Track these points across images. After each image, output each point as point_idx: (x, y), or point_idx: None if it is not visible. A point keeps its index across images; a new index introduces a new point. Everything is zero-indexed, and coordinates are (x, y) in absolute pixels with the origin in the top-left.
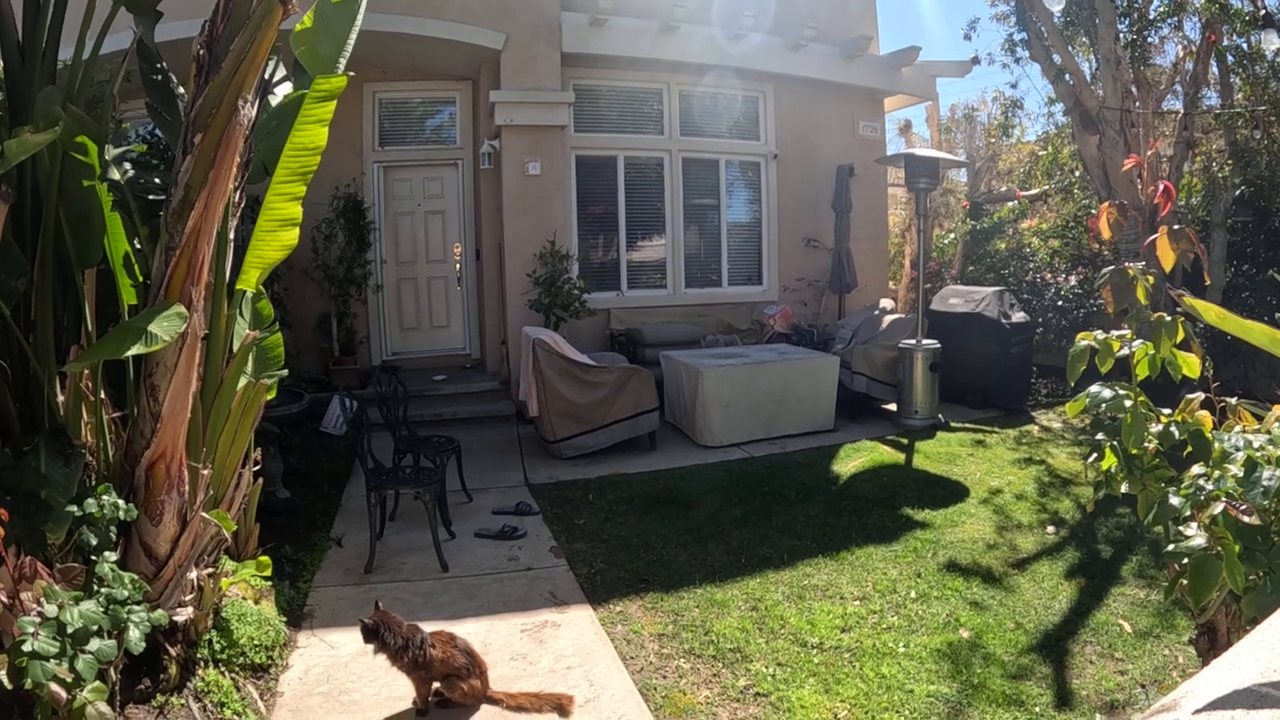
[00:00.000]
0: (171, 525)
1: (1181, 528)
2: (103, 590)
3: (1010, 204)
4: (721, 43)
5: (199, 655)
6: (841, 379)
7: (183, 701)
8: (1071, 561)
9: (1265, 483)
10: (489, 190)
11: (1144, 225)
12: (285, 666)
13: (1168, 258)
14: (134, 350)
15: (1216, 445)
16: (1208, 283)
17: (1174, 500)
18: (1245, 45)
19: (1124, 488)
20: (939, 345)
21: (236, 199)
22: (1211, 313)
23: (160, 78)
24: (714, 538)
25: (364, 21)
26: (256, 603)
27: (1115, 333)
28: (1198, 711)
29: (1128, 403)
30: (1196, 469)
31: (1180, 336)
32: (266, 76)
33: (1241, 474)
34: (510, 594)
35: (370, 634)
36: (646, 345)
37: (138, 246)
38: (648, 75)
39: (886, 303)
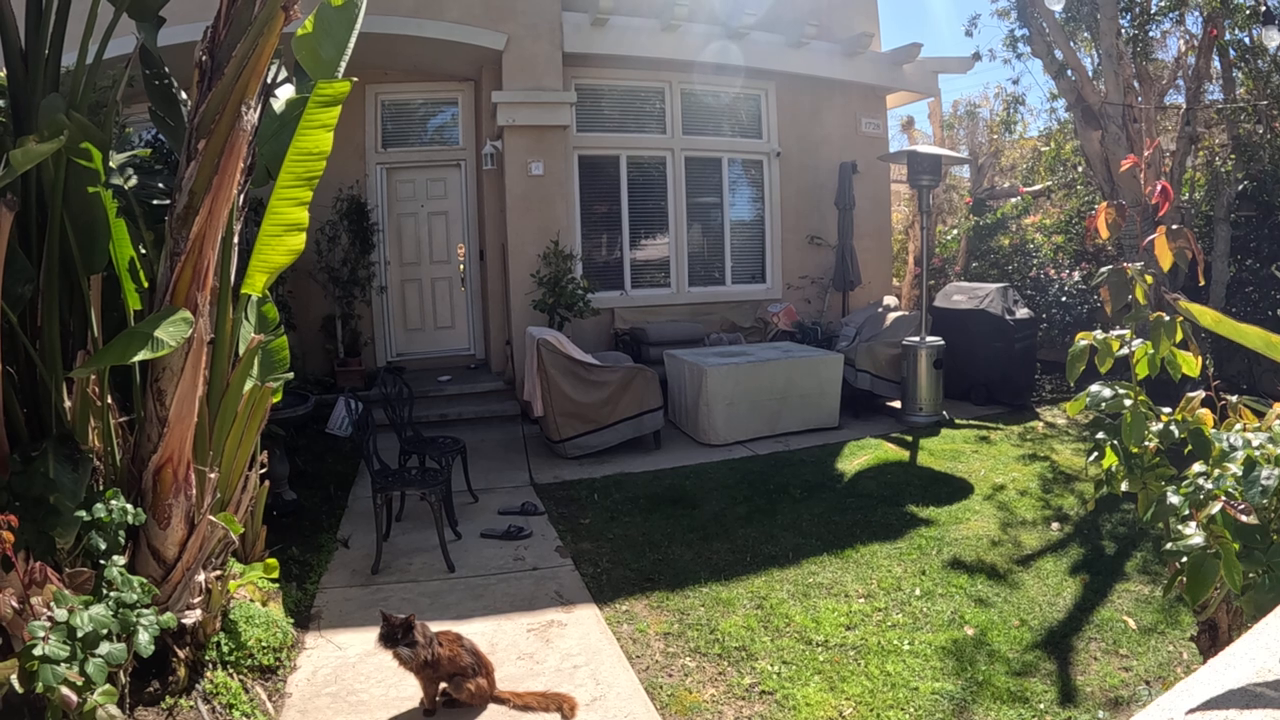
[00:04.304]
0: (179, 529)
1: (1180, 526)
2: (112, 594)
3: (1013, 200)
4: (723, 41)
5: (207, 657)
6: (845, 376)
7: (191, 703)
8: (1076, 558)
9: (1264, 481)
10: (492, 191)
11: (1144, 222)
12: (293, 668)
13: (1165, 257)
14: (140, 356)
15: (1216, 444)
16: (1201, 283)
17: (1173, 499)
18: (1247, 40)
19: (1124, 486)
20: (943, 342)
21: (240, 203)
22: (1208, 316)
23: (163, 83)
24: (719, 536)
25: (366, 24)
26: (264, 604)
27: (1115, 332)
28: (1191, 711)
29: (1128, 402)
30: (1197, 467)
31: (1179, 336)
32: (268, 80)
33: (1241, 473)
34: (516, 594)
35: (405, 629)
36: (650, 344)
37: (143, 252)
38: (649, 74)
39: (890, 300)
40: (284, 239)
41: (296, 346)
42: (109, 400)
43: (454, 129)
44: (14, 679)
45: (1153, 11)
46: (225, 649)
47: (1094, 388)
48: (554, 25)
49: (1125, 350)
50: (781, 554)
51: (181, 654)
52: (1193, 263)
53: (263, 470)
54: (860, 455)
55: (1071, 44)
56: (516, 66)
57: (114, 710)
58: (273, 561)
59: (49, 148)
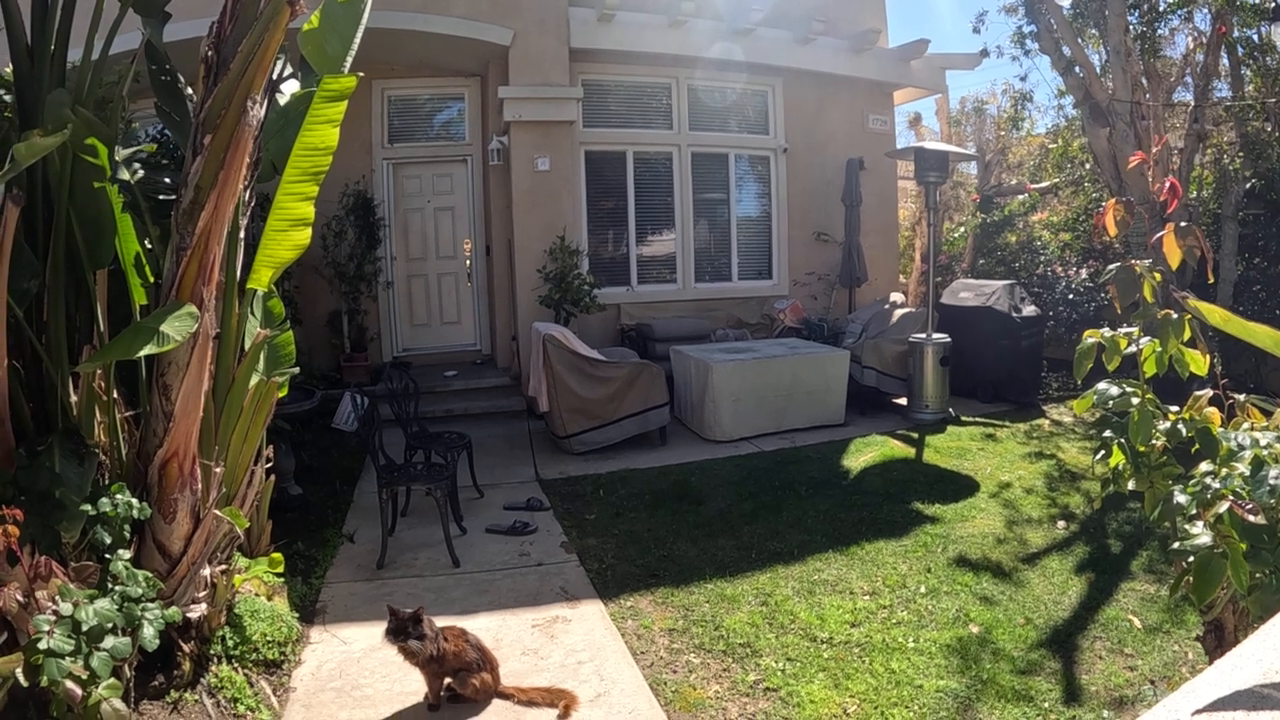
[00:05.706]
0: (185, 523)
1: (1187, 525)
2: (117, 588)
3: (1020, 197)
4: (729, 37)
5: (212, 651)
6: (851, 373)
7: (196, 697)
8: (1081, 556)
9: (1272, 481)
10: (498, 186)
11: (1152, 220)
12: (298, 662)
13: (1174, 255)
14: (146, 350)
15: (1224, 443)
16: (1211, 280)
17: (1180, 498)
18: (1256, 37)
19: (1131, 485)
20: (949, 339)
21: (246, 198)
22: (1216, 315)
23: (169, 78)
24: (724, 533)
25: (373, 19)
26: (269, 599)
27: (1122, 330)
28: (1198, 712)
29: (1135, 400)
30: (1204, 466)
31: (1187, 334)
32: (274, 75)
33: (1248, 472)
34: (521, 589)
35: (414, 622)
36: (657, 340)
37: (149, 247)
38: (656, 70)
39: (897, 296)
40: (290, 234)
41: (302, 342)
42: (115, 395)
43: (460, 124)
44: (19, 672)
45: (1161, 8)
46: (230, 643)
47: (1101, 386)
48: (560, 21)
49: (1133, 348)
50: (787, 551)
51: (186, 648)
52: (1201, 261)
53: (268, 465)
54: (866, 452)
55: (1079, 41)
56: (523, 62)
57: (119, 704)
58: (278, 556)
59: (53, 141)
